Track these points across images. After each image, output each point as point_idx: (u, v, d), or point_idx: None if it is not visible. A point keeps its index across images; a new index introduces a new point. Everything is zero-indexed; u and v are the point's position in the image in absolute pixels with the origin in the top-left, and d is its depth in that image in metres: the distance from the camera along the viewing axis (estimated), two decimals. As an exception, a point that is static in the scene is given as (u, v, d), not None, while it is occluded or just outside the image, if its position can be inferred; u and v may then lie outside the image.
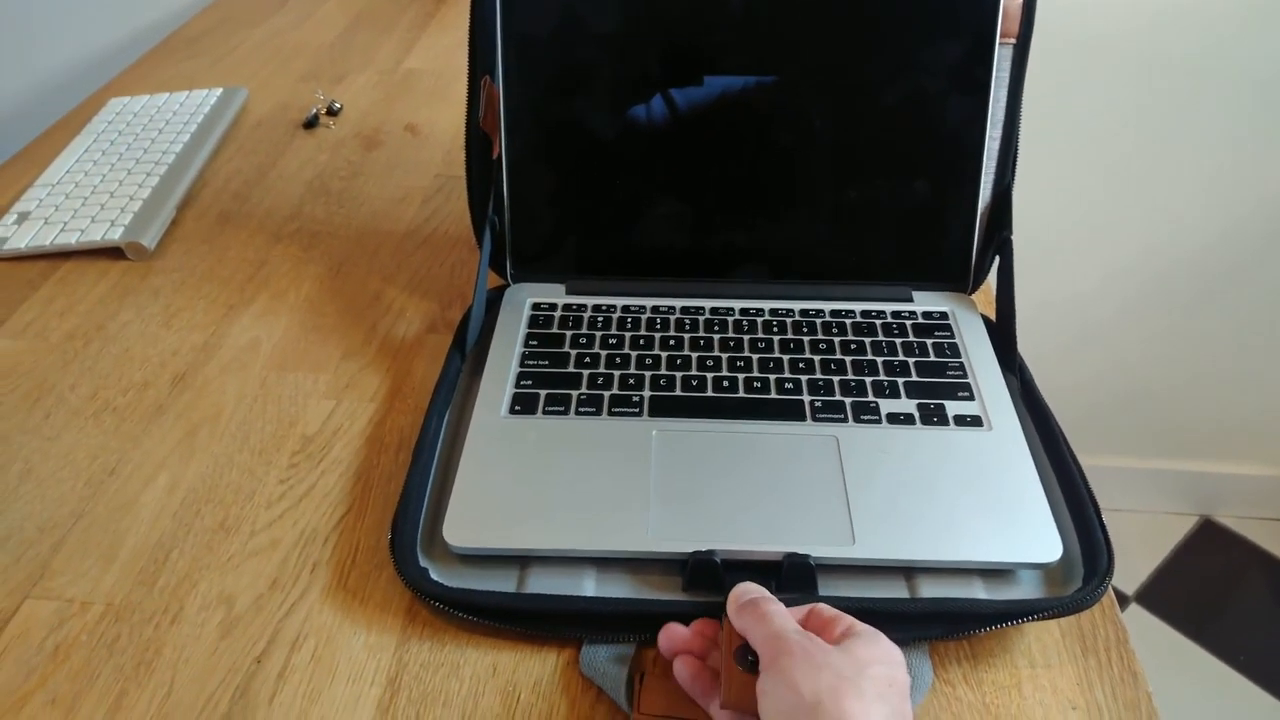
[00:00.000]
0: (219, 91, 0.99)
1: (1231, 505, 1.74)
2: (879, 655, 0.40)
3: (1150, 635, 1.56)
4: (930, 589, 0.51)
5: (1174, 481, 1.70)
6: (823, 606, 0.45)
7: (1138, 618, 1.58)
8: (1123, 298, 1.48)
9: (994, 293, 0.67)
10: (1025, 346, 0.64)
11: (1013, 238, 0.66)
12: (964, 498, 0.54)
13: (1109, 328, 1.52)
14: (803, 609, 0.45)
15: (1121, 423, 1.64)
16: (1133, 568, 1.66)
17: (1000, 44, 0.62)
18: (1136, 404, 1.61)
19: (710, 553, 0.50)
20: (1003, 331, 0.65)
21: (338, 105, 1.00)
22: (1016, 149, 0.66)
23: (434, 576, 0.50)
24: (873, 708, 0.37)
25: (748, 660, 0.42)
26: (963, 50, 0.62)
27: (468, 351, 0.65)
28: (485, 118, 0.66)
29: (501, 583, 0.50)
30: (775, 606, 0.43)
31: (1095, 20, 1.21)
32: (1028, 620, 0.48)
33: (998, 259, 0.68)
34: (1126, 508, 1.72)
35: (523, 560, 0.52)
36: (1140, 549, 1.69)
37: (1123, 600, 1.60)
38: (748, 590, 0.45)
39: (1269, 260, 1.41)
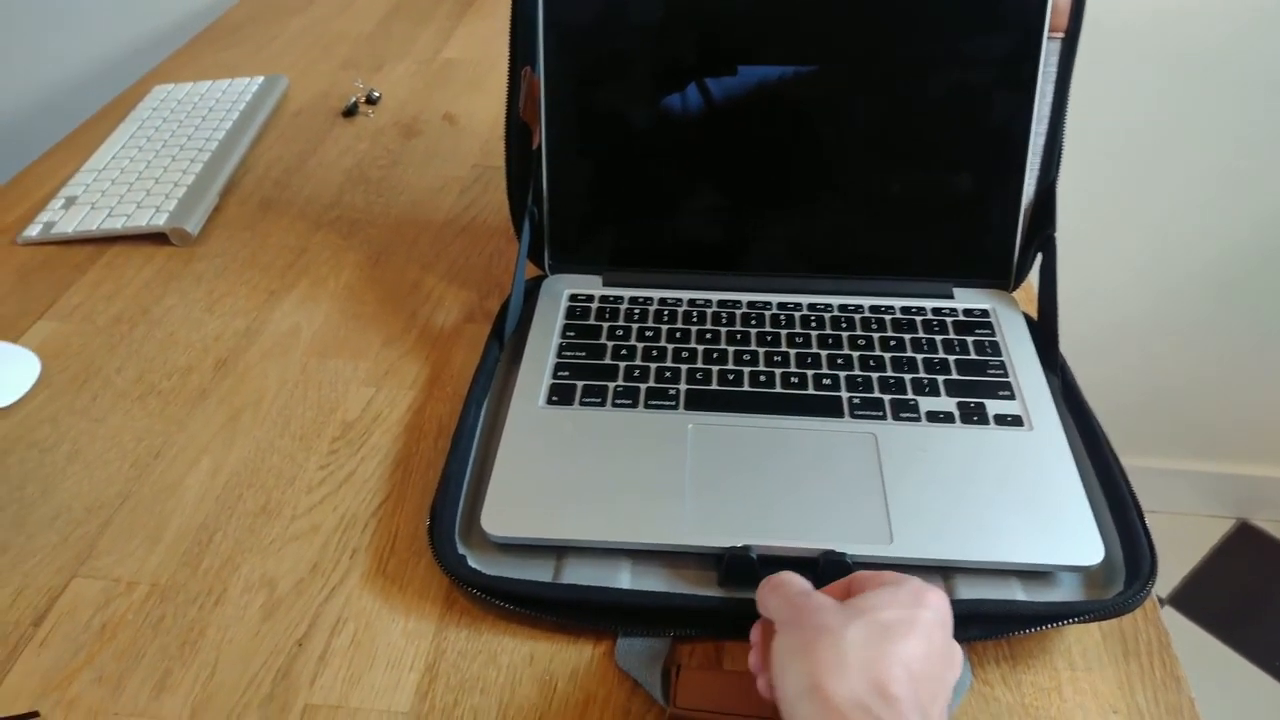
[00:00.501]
0: (260, 80, 0.99)
1: (1270, 509, 1.71)
2: (881, 602, 0.39)
3: (1183, 638, 1.54)
4: (968, 589, 0.50)
5: (1210, 483, 1.68)
6: (863, 572, 0.43)
7: (1171, 620, 1.56)
8: (1158, 294, 1.46)
9: (1035, 290, 0.67)
10: (1069, 353, 0.63)
11: (1056, 235, 0.65)
12: (1004, 498, 0.53)
13: (1143, 324, 1.49)
14: (845, 579, 0.44)
15: (1156, 422, 1.61)
16: (1166, 570, 1.64)
17: (1049, 38, 0.61)
18: (1172, 403, 1.59)
19: (746, 548, 0.50)
20: (1045, 330, 0.64)
21: (377, 94, 1.00)
22: (1061, 145, 0.65)
23: (472, 564, 0.51)
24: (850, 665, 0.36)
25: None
26: (1010, 44, 0.61)
27: (505, 341, 0.65)
28: (525, 108, 0.66)
29: (538, 572, 0.51)
30: (793, 578, 0.42)
31: (1132, 10, 1.19)
32: (1068, 623, 0.48)
33: (1040, 256, 0.67)
34: (1161, 509, 1.70)
35: (559, 550, 0.52)
36: (1175, 552, 1.66)
37: (1157, 603, 1.58)
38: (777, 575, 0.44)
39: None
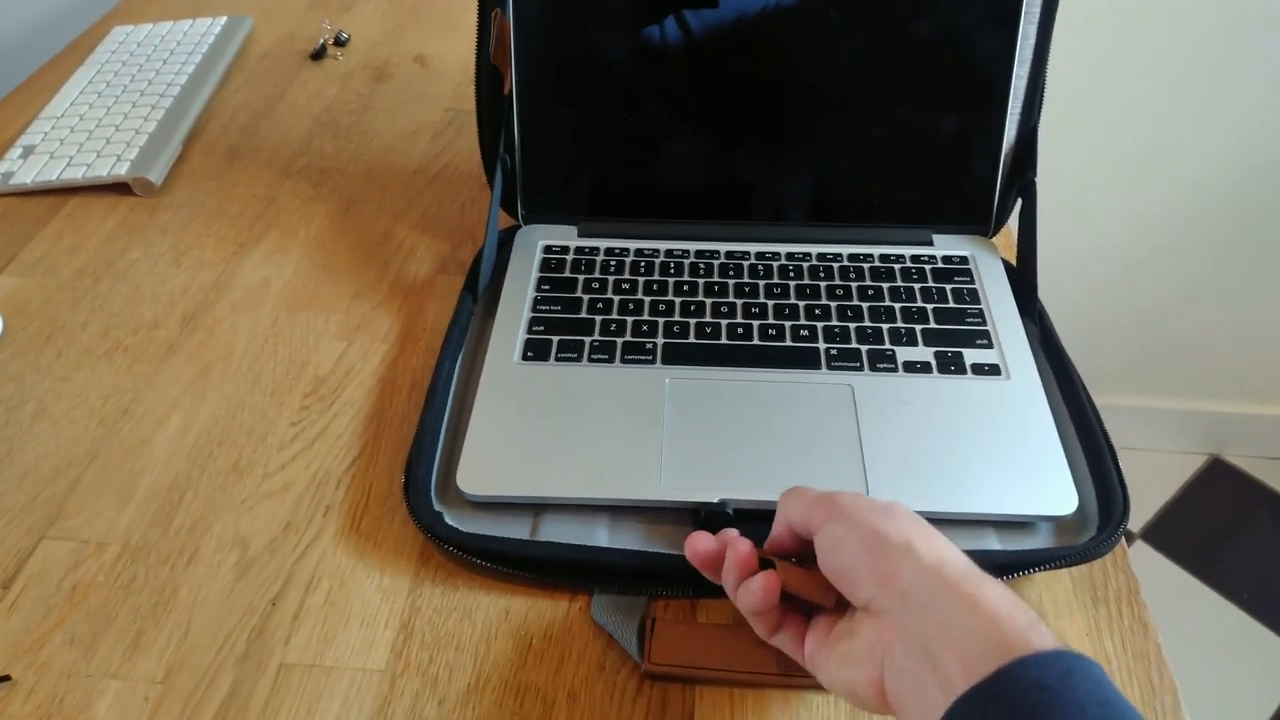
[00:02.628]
0: (224, 20, 0.96)
1: (1242, 445, 1.73)
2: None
3: (1156, 573, 1.57)
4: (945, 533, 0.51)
5: (1183, 420, 1.70)
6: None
7: (1143, 555, 1.59)
8: (1130, 229, 1.46)
9: (1015, 236, 0.66)
10: (1046, 289, 0.63)
11: (1037, 180, 0.64)
12: (980, 449, 0.53)
13: (1115, 259, 1.50)
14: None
15: (1136, 363, 1.62)
16: (1140, 506, 1.66)
17: (1032, -22, 0.60)
18: (1156, 346, 1.60)
19: (723, 503, 0.50)
20: (1023, 277, 0.64)
21: (345, 35, 0.97)
22: (1044, 88, 0.63)
23: (448, 521, 0.50)
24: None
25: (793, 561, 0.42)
26: (988, 17, 0.60)
27: (479, 294, 0.64)
28: (496, 52, 0.64)
29: (515, 529, 0.51)
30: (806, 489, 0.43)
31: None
32: (1038, 570, 0.48)
33: (1020, 202, 0.66)
34: (1135, 446, 1.72)
35: (536, 507, 0.52)
36: (1148, 487, 1.69)
37: (1128, 538, 1.61)
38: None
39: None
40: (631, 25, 0.62)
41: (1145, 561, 1.58)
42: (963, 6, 0.61)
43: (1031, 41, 0.62)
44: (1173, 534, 1.62)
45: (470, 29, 0.98)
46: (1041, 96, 0.64)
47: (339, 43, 0.97)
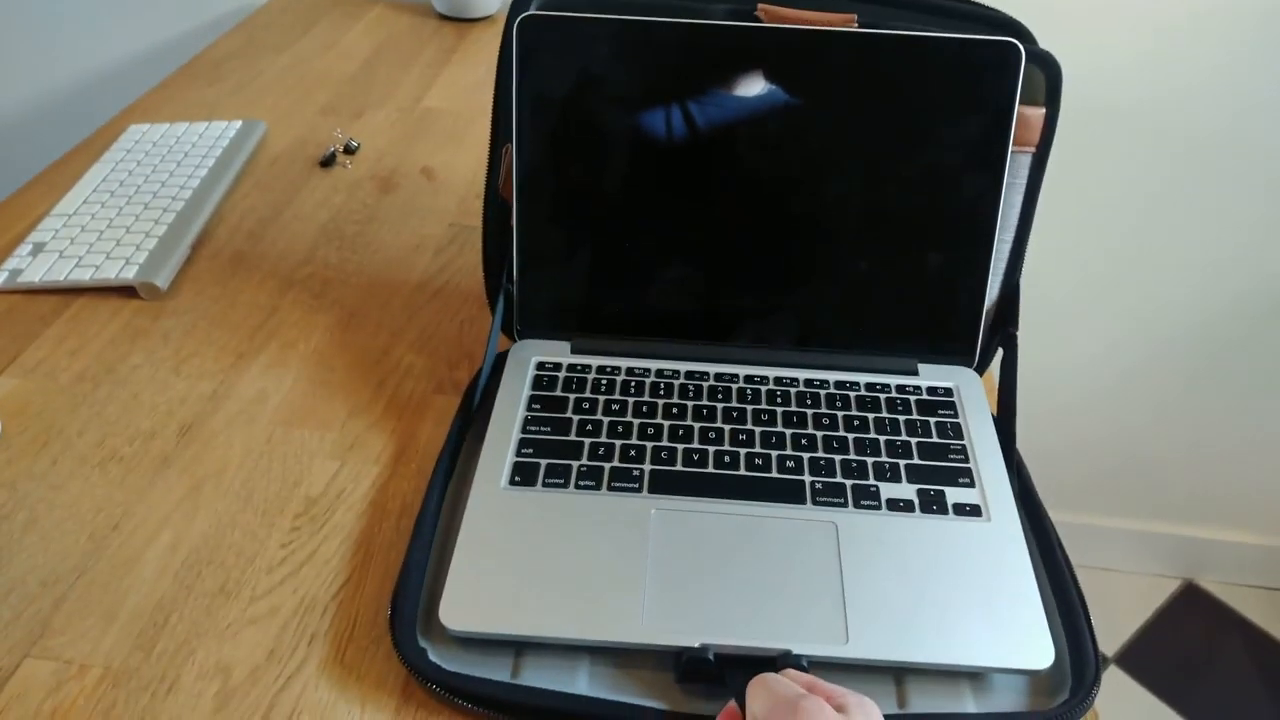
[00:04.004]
0: (238, 124, 0.99)
1: (1216, 570, 1.75)
2: None
3: (1129, 700, 1.56)
4: (919, 690, 0.52)
5: (1159, 544, 1.71)
6: (821, 683, 0.45)
7: (1117, 681, 1.59)
8: (1123, 364, 1.49)
9: (996, 380, 0.68)
10: (1025, 406, 0.64)
11: (1018, 334, 0.67)
12: (959, 596, 0.54)
13: (1108, 393, 1.53)
14: (806, 677, 0.46)
15: (1112, 484, 1.64)
16: (1115, 629, 1.66)
17: (1019, 152, 0.63)
18: (1129, 467, 1.62)
19: (704, 648, 0.51)
20: (1003, 428, 0.66)
21: (355, 144, 1.00)
22: (1025, 250, 0.66)
23: (432, 658, 0.51)
24: None
25: None
26: (976, 159, 0.63)
27: (473, 413, 0.65)
28: (504, 184, 0.67)
29: (497, 668, 0.51)
30: (781, 679, 0.44)
31: (1108, 91, 1.23)
32: (1013, 736, 0.49)
33: (1001, 352, 0.69)
34: (1112, 567, 1.73)
35: (518, 646, 0.52)
36: (1122, 611, 1.69)
37: (1103, 662, 1.60)
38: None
39: (1270, 335, 1.42)
40: (626, 159, 0.65)
41: (1119, 688, 1.58)
42: (947, 172, 0.64)
43: (1017, 209, 0.65)
44: (1146, 660, 1.62)
45: (477, 144, 1.02)
46: (1023, 257, 0.67)
47: (348, 150, 1.00)
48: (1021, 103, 0.61)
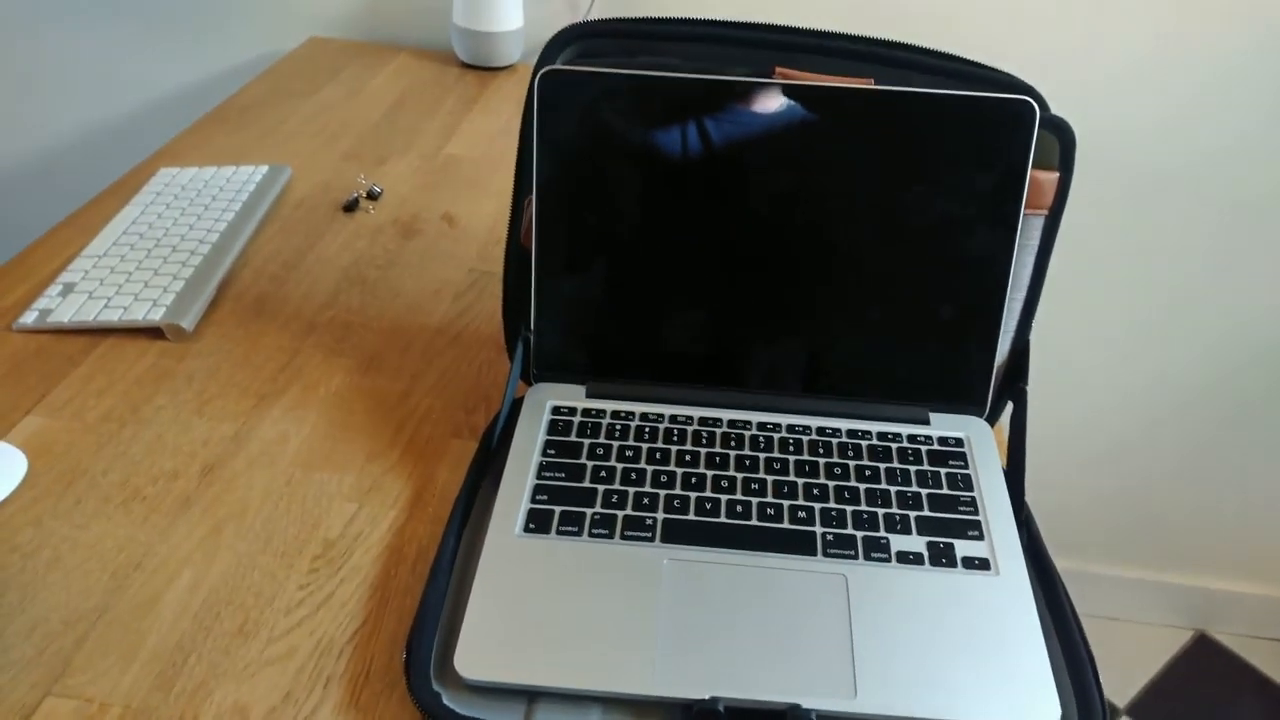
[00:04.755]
0: (265, 169, 1.02)
1: (1228, 622, 1.73)
2: None
3: (1143, 754, 1.54)
4: (926, 745, 0.52)
5: (1172, 595, 1.70)
6: None
7: (1131, 735, 1.57)
8: (1124, 404, 1.50)
9: (1006, 435, 0.69)
10: (1035, 457, 0.65)
11: (1028, 389, 0.68)
12: (966, 650, 0.55)
13: (1123, 445, 1.53)
14: None
15: (1125, 533, 1.64)
16: (1127, 679, 1.65)
17: (1032, 215, 0.64)
18: (1141, 517, 1.62)
19: (714, 700, 0.51)
20: (1013, 482, 0.66)
21: (378, 189, 1.03)
22: (1036, 306, 0.68)
23: (446, 702, 0.51)
24: None
25: None
26: (990, 214, 0.64)
27: (489, 458, 0.67)
28: (525, 236, 0.69)
29: (510, 714, 0.52)
30: None
31: (1127, 147, 1.25)
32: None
33: (1011, 406, 0.69)
34: (1123, 617, 1.72)
35: (531, 695, 0.53)
36: (1134, 661, 1.68)
37: (1114, 713, 1.59)
38: None
39: (1280, 389, 1.43)
40: (644, 210, 0.66)
41: (1133, 741, 1.56)
42: (961, 229, 0.65)
43: (1028, 270, 0.66)
44: (1157, 711, 1.60)
45: (498, 191, 1.05)
46: (1034, 314, 0.68)
47: (371, 196, 1.02)
48: (1035, 167, 0.63)
